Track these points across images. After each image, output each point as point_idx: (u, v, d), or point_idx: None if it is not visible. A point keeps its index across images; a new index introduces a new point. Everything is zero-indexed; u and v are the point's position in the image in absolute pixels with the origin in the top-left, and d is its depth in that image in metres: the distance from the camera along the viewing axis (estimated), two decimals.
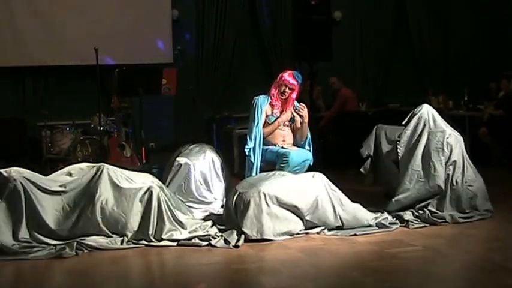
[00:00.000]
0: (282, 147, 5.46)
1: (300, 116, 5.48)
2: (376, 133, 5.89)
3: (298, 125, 5.53)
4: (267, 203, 4.59)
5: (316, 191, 4.78)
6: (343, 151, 8.18)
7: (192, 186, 5.47)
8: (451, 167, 5.17)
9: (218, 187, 5.61)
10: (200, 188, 5.49)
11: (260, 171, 5.38)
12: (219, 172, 5.63)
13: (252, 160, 5.38)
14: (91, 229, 4.50)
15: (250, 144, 5.40)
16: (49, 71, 8.63)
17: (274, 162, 5.40)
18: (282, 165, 5.28)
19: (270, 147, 5.49)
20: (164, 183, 5.23)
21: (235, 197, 4.73)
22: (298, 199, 4.69)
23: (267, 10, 9.42)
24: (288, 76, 5.48)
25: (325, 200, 4.78)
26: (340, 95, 8.81)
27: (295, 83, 5.47)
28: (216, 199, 5.54)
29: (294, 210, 4.69)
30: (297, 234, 4.68)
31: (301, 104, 5.57)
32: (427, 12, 10.08)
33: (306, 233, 4.72)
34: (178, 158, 5.57)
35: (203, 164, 5.56)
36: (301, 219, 4.72)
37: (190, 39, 9.25)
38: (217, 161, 5.66)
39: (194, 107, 9.12)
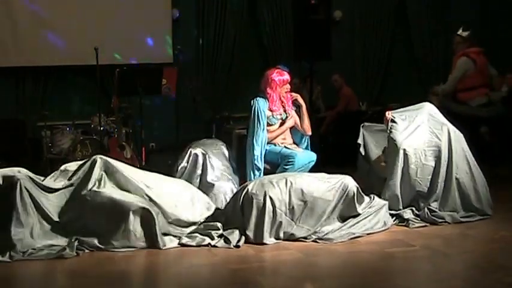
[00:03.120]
0: (285, 147, 5.43)
1: (299, 105, 5.50)
2: (363, 132, 5.82)
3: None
4: (273, 208, 4.54)
5: (331, 199, 4.67)
6: (343, 150, 8.18)
7: (208, 177, 5.34)
8: (449, 164, 5.16)
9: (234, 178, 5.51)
10: (215, 180, 5.37)
11: (264, 173, 5.35)
12: (233, 164, 5.57)
13: (260, 167, 5.32)
14: (97, 223, 4.51)
15: (258, 150, 5.34)
16: (49, 71, 8.63)
17: (277, 163, 5.38)
18: (287, 166, 5.24)
19: (271, 147, 5.45)
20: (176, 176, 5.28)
21: (243, 195, 4.66)
22: (308, 208, 4.60)
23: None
24: (283, 76, 5.49)
25: (336, 210, 4.69)
26: (344, 95, 8.84)
27: (288, 76, 5.53)
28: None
29: (301, 219, 4.61)
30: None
31: (292, 94, 5.55)
32: (427, 12, 10.08)
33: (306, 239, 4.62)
34: (191, 149, 5.51)
35: (217, 155, 5.50)
36: (306, 228, 4.62)
37: (190, 39, 9.25)
38: (228, 155, 5.61)
39: (194, 107, 9.13)
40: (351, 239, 4.59)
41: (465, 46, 6.90)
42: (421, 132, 5.29)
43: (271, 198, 4.55)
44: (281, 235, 4.58)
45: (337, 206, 4.70)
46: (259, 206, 4.55)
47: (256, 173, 5.31)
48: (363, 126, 5.86)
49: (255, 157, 5.32)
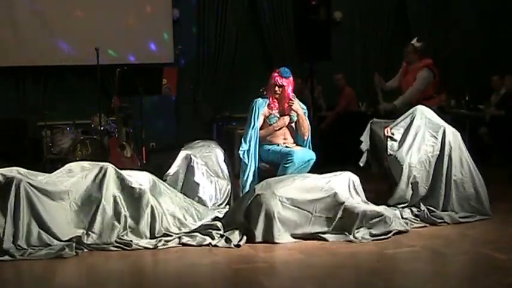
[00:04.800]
0: (286, 147, 5.45)
1: (294, 110, 5.49)
2: (371, 127, 5.85)
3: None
4: (282, 207, 4.53)
5: (338, 194, 4.67)
6: (343, 150, 8.20)
7: (194, 179, 5.43)
8: (449, 166, 5.17)
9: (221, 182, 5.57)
10: (202, 183, 5.46)
11: (261, 173, 5.36)
12: (223, 167, 5.60)
13: (246, 162, 5.35)
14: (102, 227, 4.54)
15: (245, 147, 5.37)
16: (49, 70, 8.64)
17: (278, 163, 5.40)
18: (287, 165, 5.24)
19: (272, 147, 5.48)
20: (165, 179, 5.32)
21: (252, 198, 4.62)
22: (317, 204, 4.59)
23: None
24: (275, 75, 5.49)
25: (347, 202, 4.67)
26: (346, 94, 8.86)
27: (284, 79, 5.48)
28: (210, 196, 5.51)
29: (317, 209, 4.59)
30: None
31: (290, 100, 5.52)
32: (427, 12, 10.09)
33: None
34: (181, 152, 5.58)
35: (209, 156, 5.55)
36: (325, 217, 4.61)
37: (191, 39, 9.26)
38: (221, 156, 5.65)
39: (195, 107, 9.13)
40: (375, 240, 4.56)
41: (416, 57, 6.90)
42: (421, 139, 5.29)
43: (280, 196, 4.54)
44: (298, 231, 4.55)
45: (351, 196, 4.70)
46: (268, 204, 4.51)
47: (243, 167, 5.36)
48: (371, 123, 5.84)
49: (241, 153, 5.39)
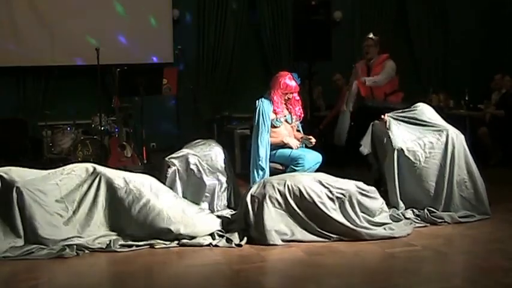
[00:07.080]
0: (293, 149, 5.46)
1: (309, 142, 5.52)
2: (372, 130, 5.86)
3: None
4: (275, 207, 4.52)
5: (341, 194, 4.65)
6: (343, 150, 8.20)
7: (202, 178, 5.37)
8: (451, 166, 5.17)
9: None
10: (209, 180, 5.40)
11: (271, 175, 5.35)
12: (222, 165, 5.52)
13: (264, 167, 5.31)
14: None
15: (263, 151, 5.33)
16: (49, 71, 8.65)
17: (286, 164, 5.41)
18: (297, 168, 5.25)
19: (278, 148, 5.49)
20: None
21: (247, 199, 4.60)
22: (311, 209, 4.56)
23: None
24: (290, 82, 5.46)
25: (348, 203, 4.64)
26: (344, 95, 8.86)
27: (297, 84, 5.51)
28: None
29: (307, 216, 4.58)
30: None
31: (310, 137, 5.55)
32: (427, 12, 10.11)
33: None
34: (182, 152, 5.48)
35: (209, 154, 5.48)
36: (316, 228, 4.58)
37: (190, 39, 9.27)
38: (222, 155, 5.57)
39: (195, 107, 9.14)
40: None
41: (376, 50, 7.03)
42: (421, 135, 5.30)
43: (276, 199, 4.52)
44: (293, 234, 4.53)
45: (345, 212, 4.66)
46: (265, 207, 4.49)
47: (260, 173, 5.32)
48: (373, 125, 5.82)
49: (260, 158, 5.32)
